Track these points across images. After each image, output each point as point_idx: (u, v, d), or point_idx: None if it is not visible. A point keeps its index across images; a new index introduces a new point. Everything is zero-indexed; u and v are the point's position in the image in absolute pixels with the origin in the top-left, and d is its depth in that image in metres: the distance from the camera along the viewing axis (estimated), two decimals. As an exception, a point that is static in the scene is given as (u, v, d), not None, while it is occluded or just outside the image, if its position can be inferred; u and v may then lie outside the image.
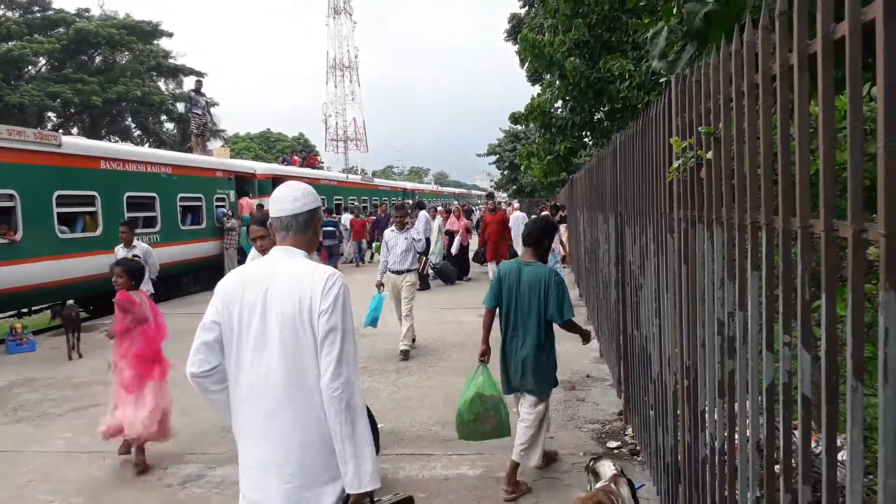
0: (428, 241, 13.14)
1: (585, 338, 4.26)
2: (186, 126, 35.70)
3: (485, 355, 4.17)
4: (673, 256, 3.07)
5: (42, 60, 33.97)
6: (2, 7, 34.39)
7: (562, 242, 9.88)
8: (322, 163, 31.95)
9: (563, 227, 15.94)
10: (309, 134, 74.83)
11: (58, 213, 10.68)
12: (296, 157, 26.89)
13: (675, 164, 2.72)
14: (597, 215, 7.30)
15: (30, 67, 33.64)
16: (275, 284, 2.14)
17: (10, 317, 11.12)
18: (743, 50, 2.01)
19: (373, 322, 7.56)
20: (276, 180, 19.18)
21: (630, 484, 3.09)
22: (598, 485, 3.03)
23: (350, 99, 77.85)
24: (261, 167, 19.39)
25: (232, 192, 16.64)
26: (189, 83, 37.89)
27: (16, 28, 32.97)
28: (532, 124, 12.73)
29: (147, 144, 34.75)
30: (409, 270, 7.87)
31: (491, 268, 12.99)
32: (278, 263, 2.19)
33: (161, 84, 39.74)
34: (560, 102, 11.89)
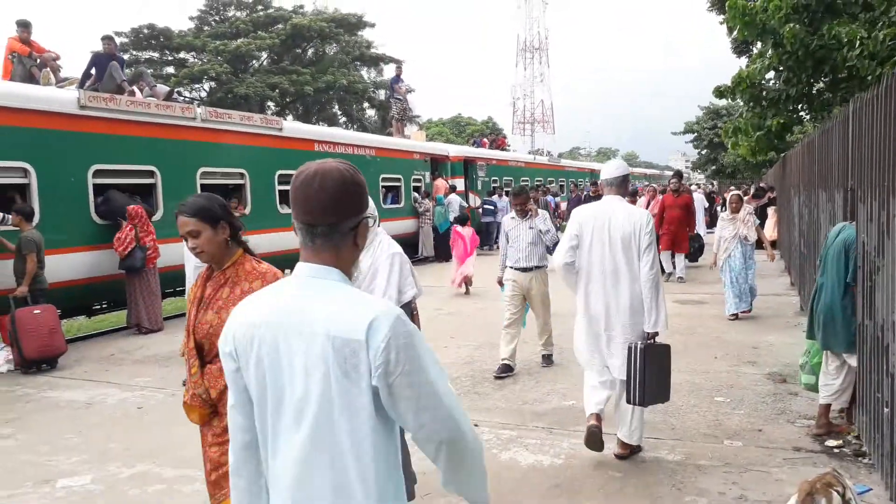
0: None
1: None
2: (386, 112, 37.88)
3: None
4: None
5: (264, 55, 37.85)
6: (233, 8, 38.75)
7: (758, 231, 8.68)
8: (509, 145, 32.24)
9: (771, 211, 14.60)
10: (497, 117, 75.91)
11: (279, 191, 11.90)
12: (485, 140, 27.40)
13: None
14: (818, 194, 6.60)
15: (254, 61, 37.62)
16: (615, 216, 3.99)
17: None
18: None
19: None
20: (468, 162, 19.75)
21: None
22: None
23: (539, 81, 77.58)
24: (453, 150, 20.05)
25: (427, 174, 17.41)
26: (388, 71, 40.12)
27: (243, 26, 37.04)
28: (739, 98, 11.76)
29: (351, 129, 37.38)
30: (537, 267, 6.29)
31: (678, 263, 11.57)
32: (616, 206, 4.04)
33: (363, 73, 42.43)
34: (772, 73, 10.85)
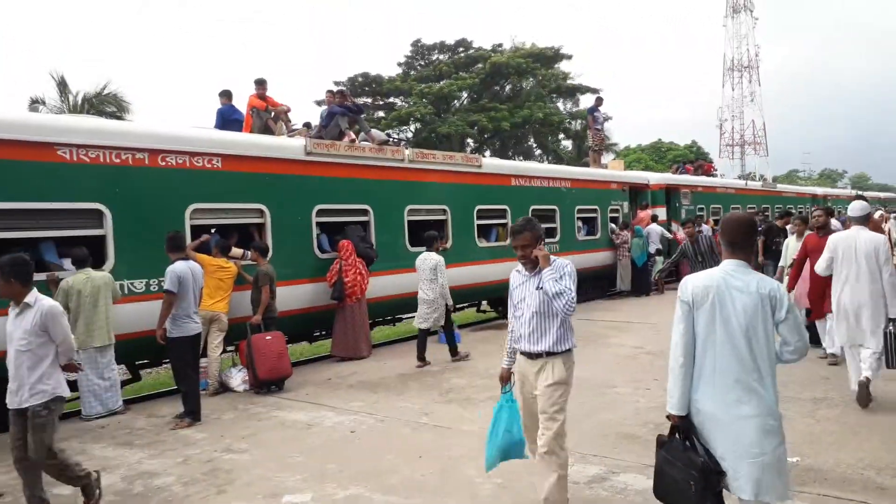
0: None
1: None
2: (582, 142, 37.66)
3: None
4: None
5: (464, 94, 39.59)
6: (436, 52, 41.16)
7: None
8: (716, 170, 30.25)
9: None
10: (701, 141, 71.58)
11: (477, 225, 12.27)
12: (689, 166, 26.00)
13: None
14: None
15: (455, 101, 39.51)
16: (859, 239, 5.99)
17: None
18: None
19: (497, 460, 4.11)
20: (670, 190, 18.84)
21: None
22: None
23: (749, 101, 72.17)
24: (654, 177, 19.25)
25: (625, 203, 16.91)
26: (584, 101, 39.92)
27: (446, 69, 39.14)
28: None
29: (546, 161, 37.60)
30: (550, 353, 3.92)
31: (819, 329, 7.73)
32: (860, 233, 6.02)
33: (559, 104, 42.62)
34: None
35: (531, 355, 3.95)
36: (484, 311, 14.59)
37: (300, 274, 9.16)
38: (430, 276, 8.81)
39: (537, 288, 3.94)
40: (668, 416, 3.09)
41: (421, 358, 8.78)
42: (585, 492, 4.38)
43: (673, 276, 10.98)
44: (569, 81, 41.19)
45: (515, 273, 4.19)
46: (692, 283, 3.06)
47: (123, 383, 7.77)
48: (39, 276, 6.29)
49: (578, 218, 15.16)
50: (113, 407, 6.92)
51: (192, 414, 6.43)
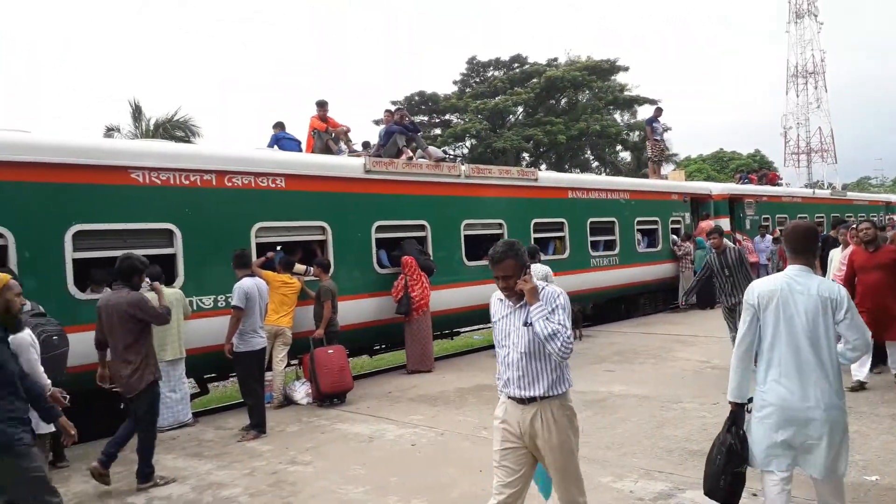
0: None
1: None
2: (640, 153, 37.05)
3: None
4: None
5: (519, 109, 39.58)
6: (491, 68, 41.35)
7: None
8: (781, 179, 29.24)
9: None
10: (765, 149, 69.14)
11: (534, 238, 12.21)
12: (753, 175, 25.24)
13: None
14: None
15: (510, 116, 39.55)
16: None
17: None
18: None
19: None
20: (733, 200, 18.33)
21: None
22: None
23: (815, 107, 69.63)
24: (717, 188, 18.75)
25: (687, 215, 16.53)
26: (642, 112, 39.30)
27: (501, 84, 39.24)
28: None
29: (603, 173, 37.17)
30: (544, 398, 3.32)
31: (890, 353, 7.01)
32: None
33: (616, 116, 42.10)
34: None
35: (522, 400, 3.32)
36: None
37: (361, 289, 9.32)
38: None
39: (524, 324, 3.31)
40: (729, 402, 3.40)
41: None
42: (651, 508, 4.29)
43: (704, 300, 9.13)
44: (626, 93, 40.67)
45: (497, 301, 3.49)
46: (758, 287, 3.33)
47: (192, 396, 8.05)
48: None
49: (638, 230, 14.92)
50: (183, 419, 7.17)
51: (259, 427, 6.60)
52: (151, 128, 20.80)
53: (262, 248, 8.43)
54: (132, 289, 5.28)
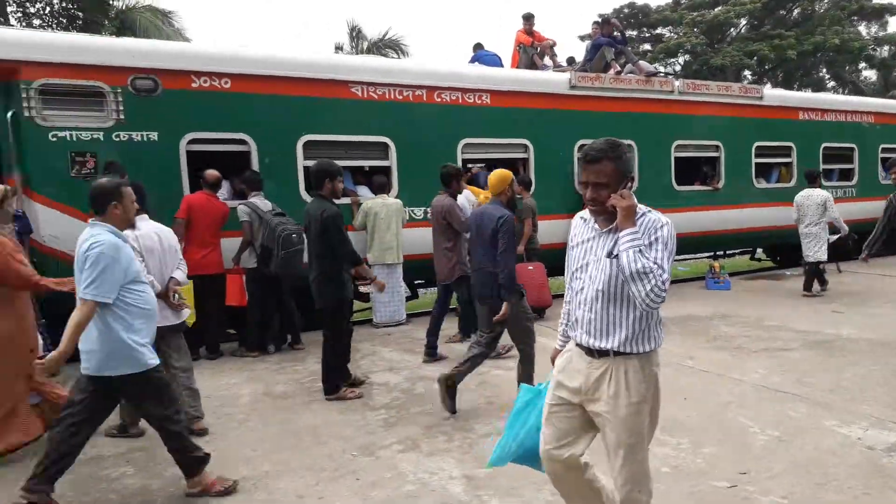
0: None
1: None
2: (889, 72, 31.83)
3: None
4: None
5: (743, 21, 35.61)
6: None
7: None
8: None
9: None
10: None
11: (755, 164, 11.16)
12: None
13: None
14: None
15: (731, 30, 35.80)
16: None
17: (708, 257, 12.42)
18: None
19: (508, 458, 2.92)
20: None
21: None
22: None
23: None
24: None
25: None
26: (894, 24, 33.44)
27: (722, -6, 35.47)
28: None
29: (841, 94, 32.59)
30: (619, 353, 2.52)
31: None
32: None
33: (861, 28, 36.33)
34: None
35: (590, 352, 2.58)
36: (759, 260, 13.39)
37: (561, 208, 9.22)
38: (817, 211, 9.01)
39: (608, 255, 2.51)
40: None
41: (807, 287, 9.15)
42: (883, 460, 3.87)
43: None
44: (874, 1, 34.75)
45: (579, 221, 2.73)
46: None
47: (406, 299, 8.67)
48: (344, 200, 7.23)
49: (883, 158, 12.99)
50: (399, 318, 7.81)
51: (464, 331, 6.98)
52: (365, 48, 21.84)
53: (466, 165, 8.61)
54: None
